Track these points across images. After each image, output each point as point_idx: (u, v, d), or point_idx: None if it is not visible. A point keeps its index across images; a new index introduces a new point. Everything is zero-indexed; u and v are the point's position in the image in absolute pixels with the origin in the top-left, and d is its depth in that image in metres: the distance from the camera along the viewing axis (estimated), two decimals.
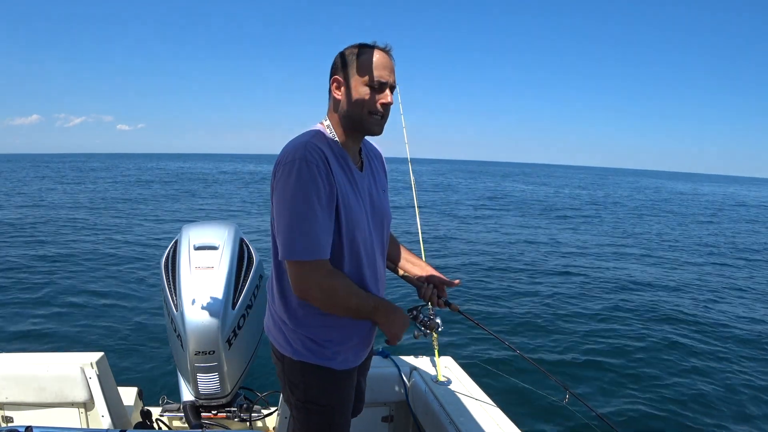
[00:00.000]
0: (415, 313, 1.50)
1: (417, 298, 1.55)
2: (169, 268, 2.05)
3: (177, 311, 1.93)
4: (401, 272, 1.60)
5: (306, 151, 1.20)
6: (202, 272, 1.99)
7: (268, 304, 1.45)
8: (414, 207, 2.46)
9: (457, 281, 1.56)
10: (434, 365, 2.16)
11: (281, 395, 1.66)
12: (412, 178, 2.52)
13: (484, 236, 13.12)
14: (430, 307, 1.54)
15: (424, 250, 2.31)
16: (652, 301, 7.60)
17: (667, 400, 4.41)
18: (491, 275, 8.35)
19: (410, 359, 2.28)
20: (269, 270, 1.45)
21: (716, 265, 11.12)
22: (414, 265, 1.62)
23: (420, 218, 2.51)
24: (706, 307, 7.55)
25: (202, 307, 1.90)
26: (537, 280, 8.47)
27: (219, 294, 1.93)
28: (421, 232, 2.45)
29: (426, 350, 2.29)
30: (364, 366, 1.57)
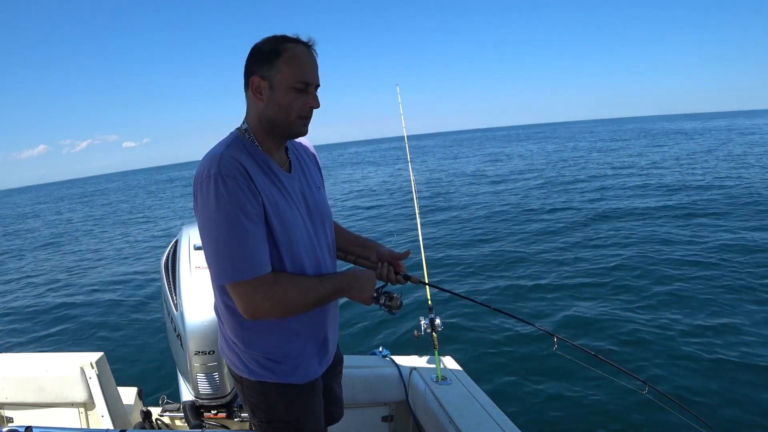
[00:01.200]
0: (375, 295, 1.40)
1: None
2: (169, 268, 2.05)
3: (177, 311, 1.93)
4: (352, 258, 1.52)
5: (220, 165, 1.10)
6: (202, 272, 1.99)
7: (218, 326, 1.39)
8: (414, 204, 2.46)
9: (407, 251, 1.50)
10: (434, 365, 2.16)
11: None
12: (412, 178, 2.52)
13: (481, 202, 13.16)
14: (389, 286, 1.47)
15: (424, 250, 2.31)
16: (638, 230, 7.82)
17: (650, 325, 4.61)
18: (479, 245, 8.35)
19: (410, 359, 2.28)
20: None
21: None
22: (363, 247, 1.52)
23: (420, 215, 2.51)
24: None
25: (202, 307, 1.90)
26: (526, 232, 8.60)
27: None
28: (421, 229, 2.45)
29: (426, 350, 2.29)
30: (334, 371, 1.51)
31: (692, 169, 15.66)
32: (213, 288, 1.30)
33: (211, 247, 1.13)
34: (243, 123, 1.26)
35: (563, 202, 11.63)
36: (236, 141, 1.21)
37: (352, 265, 1.52)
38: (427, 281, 1.60)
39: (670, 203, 10.31)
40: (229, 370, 1.37)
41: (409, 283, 1.49)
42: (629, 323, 4.79)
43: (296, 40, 1.19)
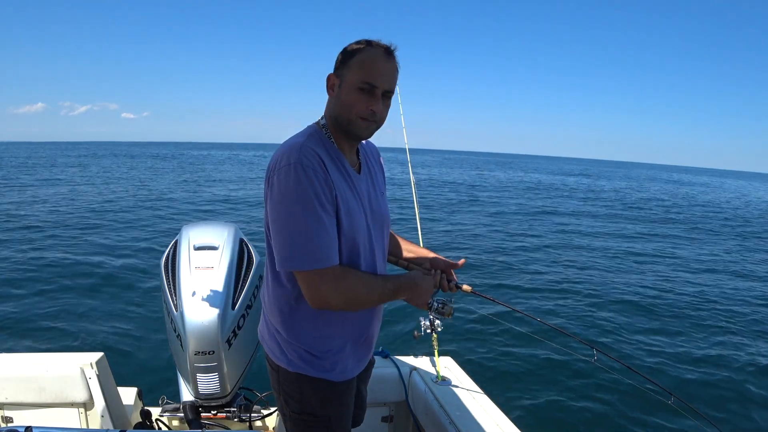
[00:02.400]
0: (429, 302, 1.43)
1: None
2: (169, 268, 2.05)
3: (177, 311, 1.93)
4: (405, 264, 1.54)
5: (301, 155, 1.13)
6: (202, 272, 1.99)
7: (262, 311, 1.41)
8: (414, 205, 2.46)
9: (462, 260, 1.50)
10: (434, 365, 2.16)
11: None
12: (412, 178, 2.52)
13: (487, 220, 13.23)
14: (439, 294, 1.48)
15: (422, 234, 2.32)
16: (667, 256, 7.79)
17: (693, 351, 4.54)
18: (496, 255, 8.36)
19: (410, 359, 2.28)
20: None
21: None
22: (416, 254, 1.55)
23: (420, 213, 2.51)
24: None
25: (202, 308, 1.90)
26: (544, 255, 8.58)
27: (219, 294, 1.93)
28: (420, 226, 2.46)
29: (426, 350, 2.29)
30: (365, 373, 1.52)
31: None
32: (265, 273, 1.33)
33: (284, 233, 1.15)
34: (322, 118, 1.30)
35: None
36: (314, 134, 1.25)
37: (404, 270, 1.52)
38: (477, 291, 1.56)
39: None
40: (267, 358, 1.38)
41: (459, 292, 1.49)
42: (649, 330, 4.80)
43: (376, 44, 1.22)
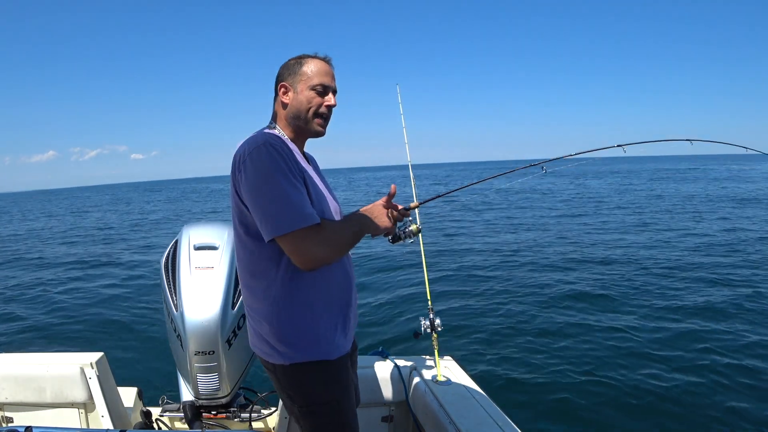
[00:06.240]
0: (396, 234, 1.55)
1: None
2: (170, 268, 2.05)
3: (177, 311, 1.93)
4: None
5: (267, 137, 1.26)
6: (202, 272, 1.99)
7: (247, 320, 1.41)
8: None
9: (393, 187, 1.53)
10: (434, 365, 2.16)
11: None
12: (412, 177, 2.52)
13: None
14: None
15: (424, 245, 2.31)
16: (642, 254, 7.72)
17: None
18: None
19: (410, 359, 2.28)
20: None
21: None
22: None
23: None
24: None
25: (202, 308, 1.90)
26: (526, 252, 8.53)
27: (219, 294, 1.94)
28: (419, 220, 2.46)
29: (426, 350, 2.29)
30: (353, 356, 1.56)
31: None
32: (239, 274, 1.38)
33: (267, 205, 1.23)
34: (271, 125, 1.43)
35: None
36: (271, 132, 1.35)
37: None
38: (421, 202, 1.67)
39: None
40: (262, 362, 1.40)
41: (411, 211, 1.58)
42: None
43: (315, 56, 1.42)
